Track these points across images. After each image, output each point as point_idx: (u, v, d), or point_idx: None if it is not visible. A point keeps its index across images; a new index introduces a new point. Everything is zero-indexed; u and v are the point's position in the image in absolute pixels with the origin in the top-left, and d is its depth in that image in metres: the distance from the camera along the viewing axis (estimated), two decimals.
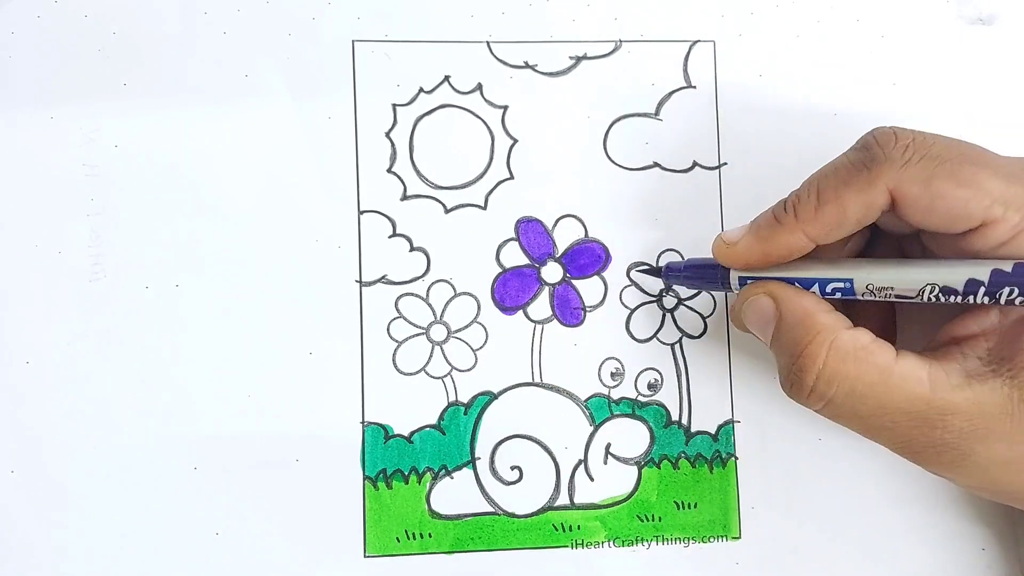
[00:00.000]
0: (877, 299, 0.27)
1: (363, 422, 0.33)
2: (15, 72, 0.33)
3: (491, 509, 0.33)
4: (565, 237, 0.35)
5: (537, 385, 0.34)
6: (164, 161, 0.33)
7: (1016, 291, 0.25)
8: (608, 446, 0.34)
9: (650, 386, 0.34)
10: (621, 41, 0.35)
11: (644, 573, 0.34)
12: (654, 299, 0.35)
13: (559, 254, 0.34)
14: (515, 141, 0.35)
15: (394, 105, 0.34)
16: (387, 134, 0.34)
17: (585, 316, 0.34)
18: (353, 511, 0.33)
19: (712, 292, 0.34)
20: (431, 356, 0.34)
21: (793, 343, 0.27)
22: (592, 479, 0.34)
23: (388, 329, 0.34)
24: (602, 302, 0.34)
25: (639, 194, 0.35)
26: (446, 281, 0.34)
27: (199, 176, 0.33)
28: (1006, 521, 0.35)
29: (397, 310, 0.34)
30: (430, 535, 0.33)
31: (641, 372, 0.34)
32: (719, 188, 0.35)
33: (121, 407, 0.32)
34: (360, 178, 0.34)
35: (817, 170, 0.28)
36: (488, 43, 0.35)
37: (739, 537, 0.34)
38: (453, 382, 0.34)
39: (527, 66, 0.35)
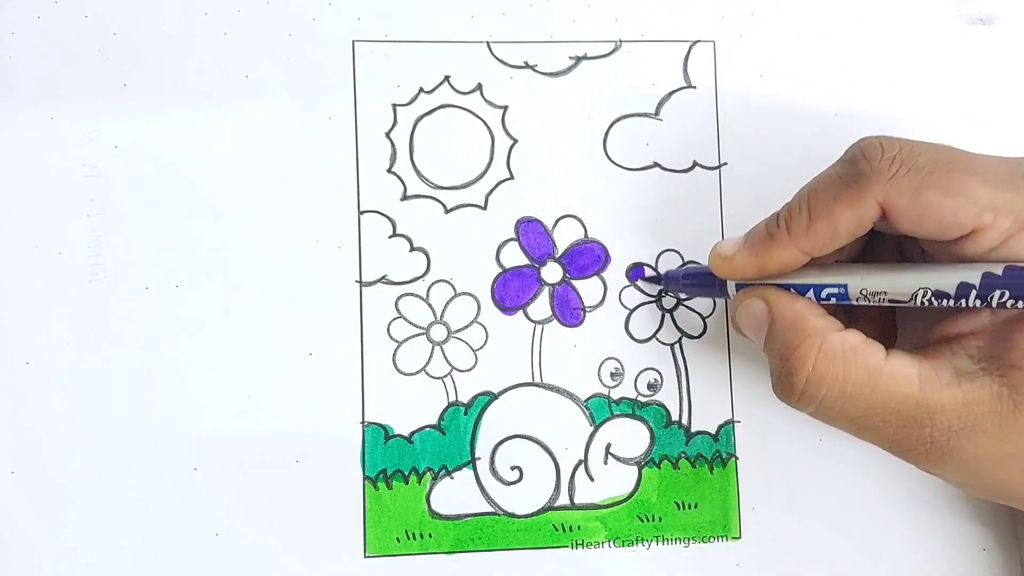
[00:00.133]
0: (871, 304, 0.28)
1: (363, 422, 0.33)
2: (15, 72, 0.33)
3: (491, 509, 0.33)
4: (565, 237, 0.35)
5: (537, 385, 0.34)
6: (164, 161, 0.33)
7: (1007, 293, 0.25)
8: (608, 446, 0.34)
9: (650, 386, 0.34)
10: (621, 41, 0.35)
11: (644, 573, 0.34)
12: (653, 299, 0.35)
13: (559, 254, 0.34)
14: (515, 141, 0.35)
15: (394, 105, 0.34)
16: (387, 134, 0.34)
17: (585, 316, 0.34)
18: (353, 511, 0.33)
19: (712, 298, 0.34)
20: (431, 356, 0.34)
21: (783, 346, 0.28)
22: (592, 479, 0.34)
23: (388, 329, 0.34)
24: (602, 302, 0.34)
25: (639, 194, 0.35)
26: (446, 281, 0.34)
27: (199, 176, 0.33)
28: (1007, 521, 0.35)
29: (397, 310, 0.34)
30: (430, 535, 0.33)
31: (641, 372, 0.34)
32: (719, 188, 0.35)
33: (121, 407, 0.32)
34: (360, 178, 0.34)
35: (807, 183, 0.28)
36: (488, 43, 0.35)
37: (739, 537, 0.34)
38: (453, 382, 0.34)
39: (527, 66, 0.35)
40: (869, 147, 0.27)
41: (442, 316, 0.34)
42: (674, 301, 0.35)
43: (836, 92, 0.35)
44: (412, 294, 0.34)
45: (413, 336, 0.34)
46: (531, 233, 0.34)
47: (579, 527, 0.34)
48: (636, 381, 0.34)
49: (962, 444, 0.26)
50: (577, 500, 0.34)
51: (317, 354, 0.33)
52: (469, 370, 0.34)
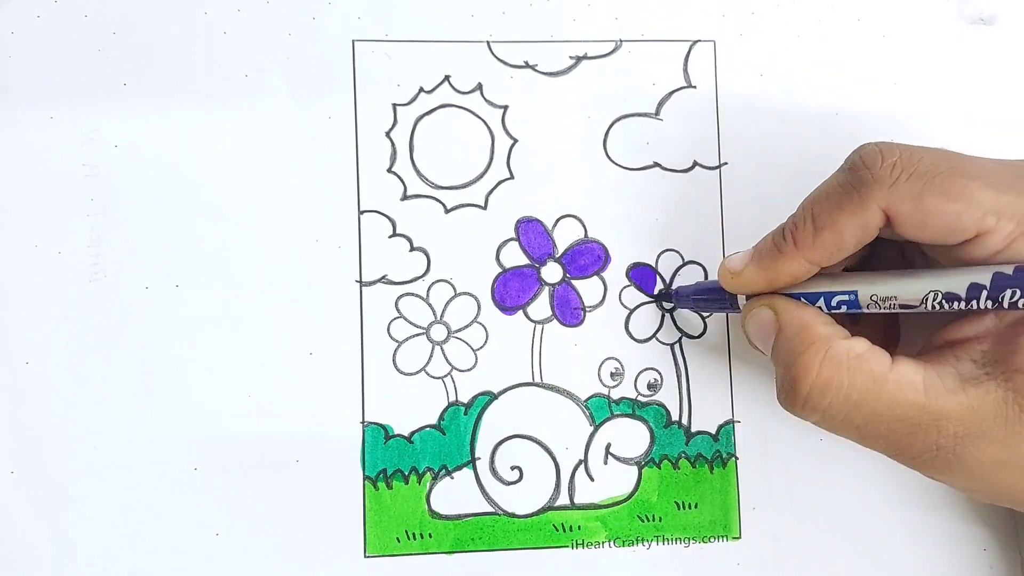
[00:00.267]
0: (881, 310, 0.28)
1: (363, 422, 0.33)
2: (15, 72, 0.33)
3: (491, 509, 0.33)
4: (565, 237, 0.35)
5: (537, 385, 0.34)
6: (164, 161, 0.33)
7: (1018, 292, 0.25)
8: (608, 446, 0.34)
9: (650, 386, 0.34)
10: (621, 41, 0.35)
11: (644, 573, 0.34)
12: (653, 299, 0.35)
13: (559, 254, 0.34)
14: (515, 141, 0.35)
15: (394, 105, 0.34)
16: (387, 134, 0.34)
17: (585, 316, 0.34)
18: (353, 511, 0.33)
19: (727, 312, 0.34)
20: (431, 356, 0.34)
21: (788, 353, 0.28)
22: (592, 479, 0.34)
23: (388, 329, 0.34)
24: (602, 302, 0.34)
25: (639, 194, 0.35)
26: (446, 281, 0.34)
27: (199, 176, 0.33)
28: (1007, 521, 0.35)
29: (397, 310, 0.34)
30: (430, 535, 0.33)
31: (641, 372, 0.34)
32: (719, 188, 0.35)
33: (121, 407, 0.32)
34: (360, 178, 0.34)
35: (810, 194, 0.28)
36: (488, 43, 0.35)
37: (739, 537, 0.34)
38: (453, 382, 0.34)
39: (527, 66, 0.35)
40: (868, 154, 0.27)
41: (442, 316, 0.34)
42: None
43: (836, 92, 0.35)
44: (412, 294, 0.34)
45: (413, 336, 0.34)
46: (531, 233, 0.34)
47: (579, 527, 0.34)
48: (636, 381, 0.34)
49: (968, 450, 0.26)
50: (577, 500, 0.34)
51: (317, 354, 0.33)
52: (469, 370, 0.34)
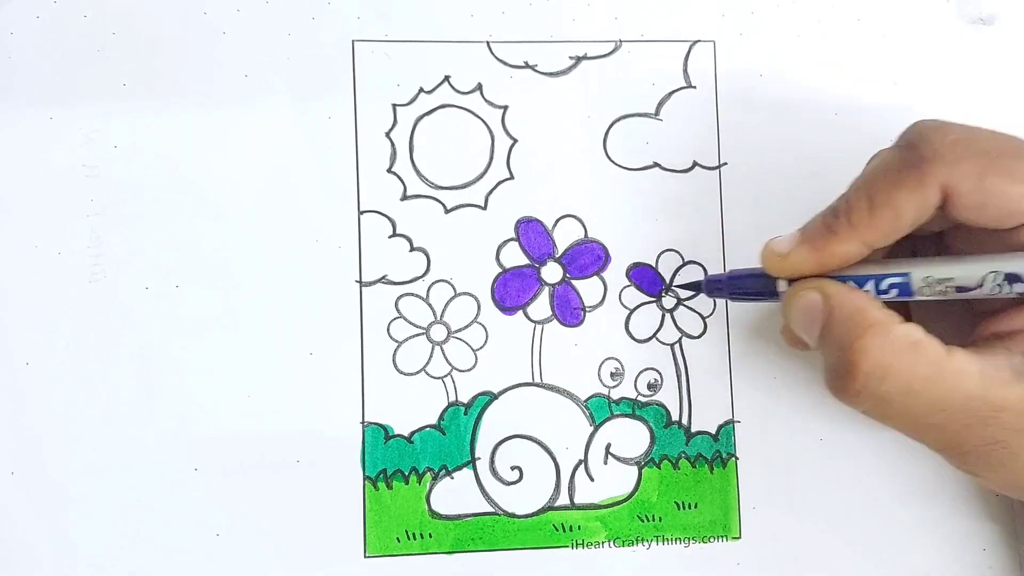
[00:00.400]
0: (934, 295, 0.26)
1: (363, 422, 0.33)
2: (15, 72, 0.33)
3: (491, 509, 0.33)
4: (565, 237, 0.35)
5: (537, 385, 0.34)
6: (164, 161, 0.33)
7: None
8: (608, 446, 0.34)
9: (650, 386, 0.34)
10: (621, 41, 0.35)
11: (644, 573, 0.34)
12: (653, 299, 0.35)
13: (559, 254, 0.34)
14: (515, 141, 0.35)
15: (394, 105, 0.34)
16: (387, 134, 0.34)
17: (585, 316, 0.34)
18: (353, 511, 0.33)
19: (762, 302, 0.33)
20: (431, 356, 0.34)
21: (844, 337, 0.26)
22: (592, 479, 0.34)
23: (388, 329, 0.34)
24: (602, 302, 0.34)
25: (639, 194, 0.35)
26: (446, 281, 0.34)
27: (199, 176, 0.33)
28: (1007, 521, 0.35)
29: (397, 310, 0.34)
30: (430, 535, 0.33)
31: (641, 372, 0.34)
32: (719, 188, 0.35)
33: (121, 407, 0.32)
34: (360, 178, 0.34)
35: (862, 172, 0.27)
36: (488, 43, 0.35)
37: (739, 537, 0.34)
38: (453, 382, 0.34)
39: (527, 66, 0.35)
40: (929, 129, 0.26)
41: (442, 316, 0.34)
42: (674, 301, 0.35)
43: (836, 91, 0.35)
44: (412, 294, 0.34)
45: (413, 336, 0.34)
46: (531, 233, 0.34)
47: (579, 527, 0.34)
48: (636, 381, 0.34)
49: (1023, 444, 0.25)
50: (577, 500, 0.34)
51: (317, 354, 0.33)
52: (469, 370, 0.34)
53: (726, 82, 0.35)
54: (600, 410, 0.34)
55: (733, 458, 0.34)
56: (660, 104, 0.35)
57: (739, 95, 0.35)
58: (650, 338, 0.34)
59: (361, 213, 0.34)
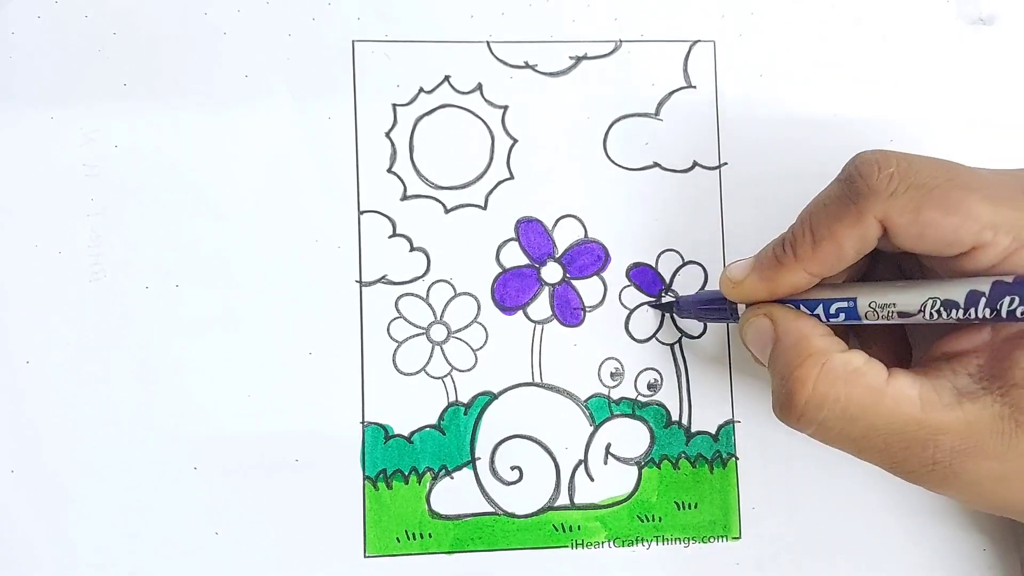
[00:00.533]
0: (879, 320, 0.27)
1: (363, 422, 0.33)
2: (15, 72, 0.33)
3: (491, 509, 0.33)
4: (565, 237, 0.35)
5: (537, 385, 0.34)
6: (164, 161, 0.33)
7: (1017, 301, 0.25)
8: (608, 446, 0.34)
9: (650, 386, 0.34)
10: (621, 41, 0.35)
11: (644, 573, 0.34)
12: (653, 300, 0.35)
13: (559, 254, 0.34)
14: (515, 141, 0.35)
15: (394, 105, 0.34)
16: (387, 134, 0.34)
17: (585, 316, 0.34)
18: (353, 511, 0.33)
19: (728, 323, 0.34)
20: (431, 356, 0.34)
21: (785, 365, 0.27)
22: (592, 479, 0.34)
23: (388, 329, 0.34)
24: (602, 302, 0.34)
25: (639, 194, 0.35)
26: (446, 281, 0.34)
27: (199, 176, 0.33)
28: (1007, 522, 0.35)
29: (397, 310, 0.34)
30: (430, 535, 0.33)
31: (641, 372, 0.34)
32: (719, 188, 0.35)
33: (121, 407, 0.32)
34: (360, 178, 0.34)
35: (808, 205, 0.28)
36: (488, 43, 0.35)
37: (739, 537, 0.34)
38: (453, 382, 0.34)
39: (527, 66, 0.35)
40: (865, 164, 0.26)
41: (442, 316, 0.34)
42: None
43: (836, 92, 0.35)
44: (412, 294, 0.34)
45: (413, 336, 0.34)
46: (531, 233, 0.34)
47: (579, 527, 0.34)
48: (636, 381, 0.34)
49: (965, 465, 0.26)
50: (577, 500, 0.34)
51: (317, 354, 0.33)
52: (469, 370, 0.34)
53: (726, 82, 0.35)
54: (600, 410, 0.34)
55: (733, 458, 0.34)
56: (660, 104, 0.35)
57: (739, 95, 0.35)
58: (650, 338, 0.34)
59: (361, 213, 0.34)
